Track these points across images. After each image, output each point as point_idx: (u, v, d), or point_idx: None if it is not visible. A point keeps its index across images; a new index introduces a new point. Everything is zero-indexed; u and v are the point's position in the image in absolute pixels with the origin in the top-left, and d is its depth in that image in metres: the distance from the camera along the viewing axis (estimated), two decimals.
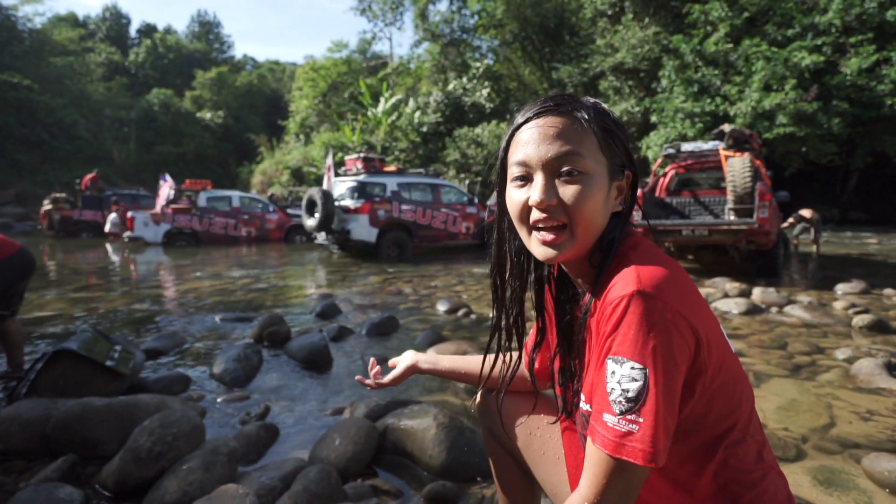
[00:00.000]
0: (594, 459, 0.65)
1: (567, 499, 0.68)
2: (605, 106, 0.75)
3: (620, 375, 0.62)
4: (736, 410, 0.71)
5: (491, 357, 0.91)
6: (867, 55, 12.78)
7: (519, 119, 0.74)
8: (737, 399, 0.71)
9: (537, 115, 0.71)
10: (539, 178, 0.70)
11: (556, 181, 0.70)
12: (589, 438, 0.67)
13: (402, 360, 1.15)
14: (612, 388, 0.63)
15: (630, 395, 0.61)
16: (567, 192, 0.69)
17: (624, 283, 0.65)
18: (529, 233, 0.74)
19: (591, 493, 0.65)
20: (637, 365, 0.61)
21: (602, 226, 0.73)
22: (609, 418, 0.63)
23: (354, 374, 2.66)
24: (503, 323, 0.85)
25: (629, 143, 0.76)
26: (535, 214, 0.71)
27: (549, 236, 0.70)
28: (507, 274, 0.83)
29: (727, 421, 0.70)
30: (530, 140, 0.71)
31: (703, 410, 0.69)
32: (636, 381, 0.61)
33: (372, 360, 1.20)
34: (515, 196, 0.73)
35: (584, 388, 0.75)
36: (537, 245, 0.72)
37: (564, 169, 0.69)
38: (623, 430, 0.62)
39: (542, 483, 0.97)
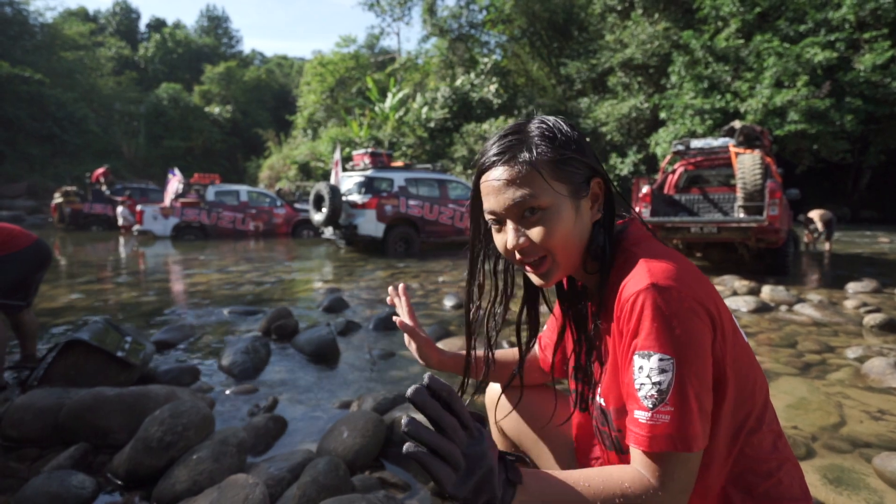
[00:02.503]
0: (637, 461, 0.65)
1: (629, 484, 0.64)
2: (552, 128, 0.74)
3: (649, 369, 0.63)
4: (750, 399, 0.72)
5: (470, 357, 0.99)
6: (882, 51, 12.60)
7: (478, 163, 0.78)
8: (750, 387, 0.72)
9: (487, 168, 0.75)
10: (508, 226, 0.75)
11: (523, 223, 0.74)
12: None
13: (419, 332, 1.09)
14: (642, 384, 0.64)
15: (662, 387, 0.62)
16: (533, 232, 0.73)
17: (636, 279, 0.66)
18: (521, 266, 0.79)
19: (655, 483, 0.63)
20: (665, 356, 0.62)
21: (581, 242, 0.76)
22: (640, 414, 0.64)
23: (362, 368, 2.69)
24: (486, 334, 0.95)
25: (588, 152, 0.75)
26: (517, 255, 0.76)
27: (534, 269, 0.76)
28: (496, 300, 0.91)
29: (741, 409, 0.71)
30: (489, 193, 0.75)
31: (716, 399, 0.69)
32: (666, 371, 0.62)
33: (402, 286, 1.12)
34: (498, 240, 0.78)
35: (601, 385, 0.76)
36: (530, 275, 0.79)
37: (525, 213, 0.73)
38: (655, 423, 0.62)
39: None
